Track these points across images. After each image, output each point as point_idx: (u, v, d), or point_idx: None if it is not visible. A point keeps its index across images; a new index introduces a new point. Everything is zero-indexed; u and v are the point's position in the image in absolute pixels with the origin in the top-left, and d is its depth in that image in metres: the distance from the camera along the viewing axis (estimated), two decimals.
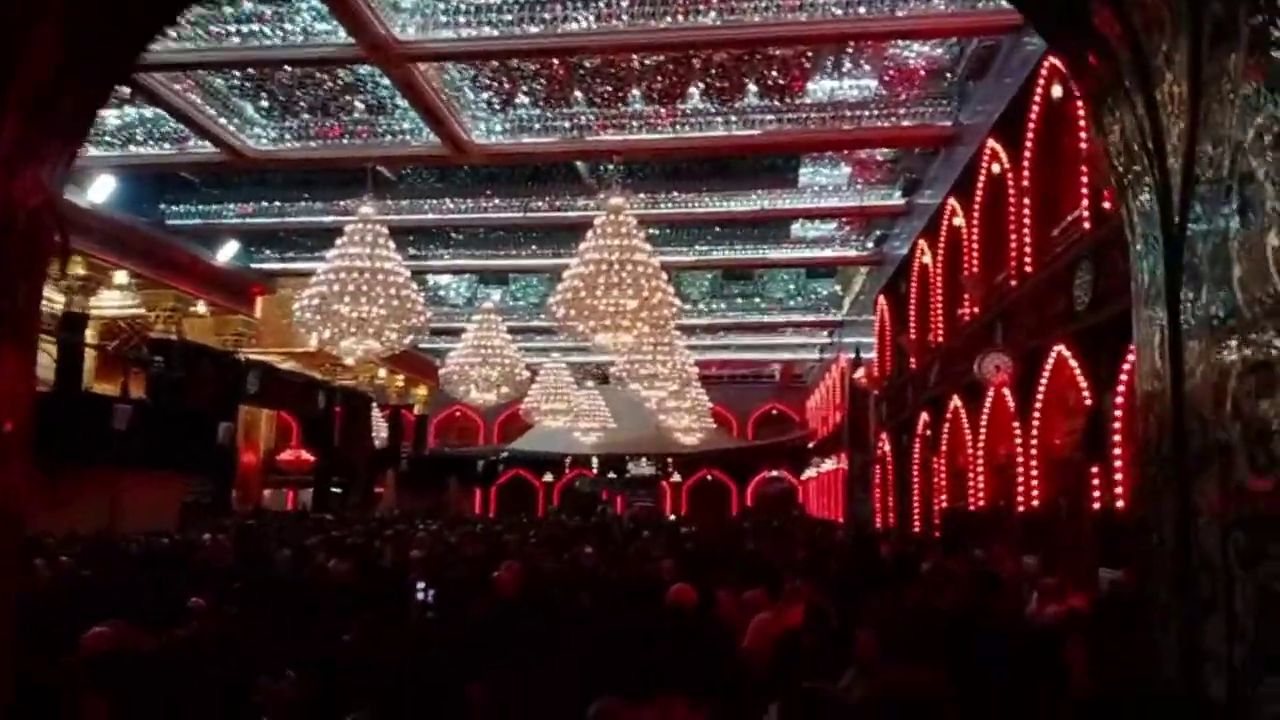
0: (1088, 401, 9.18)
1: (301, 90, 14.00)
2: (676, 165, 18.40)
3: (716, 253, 22.35)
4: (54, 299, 18.91)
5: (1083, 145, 9.41)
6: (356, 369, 30.81)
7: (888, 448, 20.51)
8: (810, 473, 36.23)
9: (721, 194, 18.71)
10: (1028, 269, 11.38)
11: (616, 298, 14.24)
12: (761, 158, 18.57)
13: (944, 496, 15.47)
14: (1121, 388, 8.44)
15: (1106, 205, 8.87)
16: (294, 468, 32.54)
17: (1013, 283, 11.85)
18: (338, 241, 14.67)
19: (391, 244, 15.03)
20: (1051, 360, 10.27)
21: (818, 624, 5.23)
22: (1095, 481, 8.88)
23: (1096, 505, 8.90)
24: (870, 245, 22.20)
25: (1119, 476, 8.46)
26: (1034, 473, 10.91)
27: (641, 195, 17.67)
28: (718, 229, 22.07)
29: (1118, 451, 8.49)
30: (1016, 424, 11.42)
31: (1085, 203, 9.38)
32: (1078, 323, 9.26)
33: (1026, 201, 11.48)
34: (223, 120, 14.31)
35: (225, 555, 12.03)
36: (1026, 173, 11.49)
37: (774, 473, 40.78)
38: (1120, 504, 8.43)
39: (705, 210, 18.88)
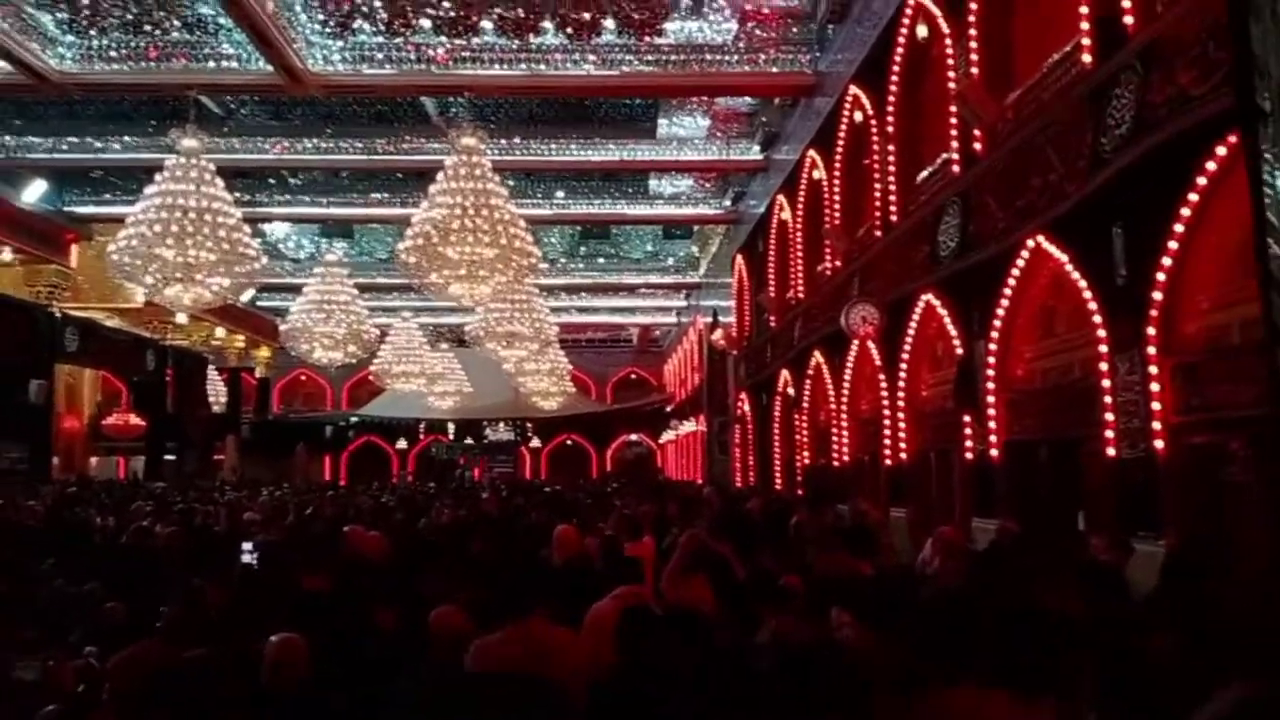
0: (958, 350, 8.99)
1: (109, 2, 12.41)
2: (531, 110, 17.57)
3: (574, 207, 21.64)
4: None
5: (951, 85, 9.16)
6: (190, 328, 28.78)
7: (747, 408, 20.37)
8: (669, 436, 36.19)
9: (579, 142, 17.97)
10: (893, 218, 11.18)
11: (472, 245, 13.38)
12: (619, 106, 17.97)
13: (806, 454, 15.36)
14: (995, 334, 8.25)
15: (977, 147, 8.64)
16: (123, 433, 30.28)
17: (877, 233, 11.65)
18: (157, 177, 13.22)
19: (219, 181, 13.68)
20: (919, 310, 10.08)
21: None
22: (968, 431, 8.71)
23: (969, 455, 8.74)
24: (727, 204, 21.99)
25: (992, 425, 8.29)
26: (901, 425, 10.76)
27: (495, 142, 16.76)
28: (574, 182, 21.40)
29: (991, 400, 8.32)
30: (883, 376, 11.25)
31: (955, 144, 9.14)
32: (945, 269, 9.05)
33: (891, 149, 11.27)
34: (18, 35, 12.56)
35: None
36: (891, 119, 11.25)
37: (633, 436, 40.64)
38: (994, 453, 8.27)
39: (561, 159, 18.13)
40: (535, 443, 39.98)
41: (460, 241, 13.33)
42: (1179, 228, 5.72)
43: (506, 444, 39.59)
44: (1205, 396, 5.72)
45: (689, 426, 30.92)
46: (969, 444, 8.85)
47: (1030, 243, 7.54)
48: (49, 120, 17.83)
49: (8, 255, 19.98)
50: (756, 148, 18.25)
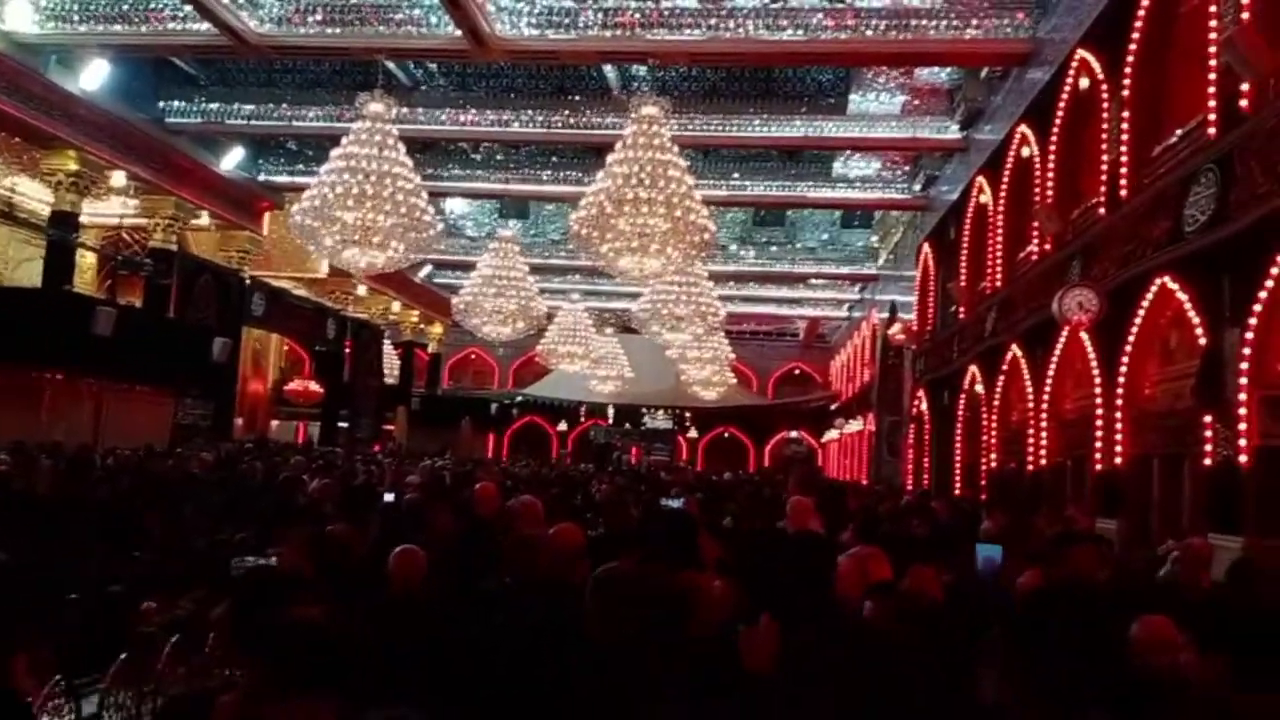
0: (1201, 340, 7.77)
1: None
2: (715, 83, 16.92)
3: (751, 188, 20.84)
4: (44, 197, 17.76)
5: (1211, 36, 7.91)
6: (369, 301, 29.81)
7: (924, 406, 19.13)
8: (832, 435, 35.01)
9: (762, 117, 17.16)
10: (1122, 193, 9.91)
11: (645, 216, 12.87)
12: (808, 80, 17.10)
13: (994, 456, 14.13)
14: (1253, 320, 7.03)
15: (1243, 104, 7.40)
16: (302, 399, 31.52)
17: (1100, 211, 10.40)
18: (343, 140, 13.34)
19: (402, 147, 13.69)
20: (1150, 295, 8.85)
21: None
22: (1208, 434, 7.51)
23: (1208, 461, 7.53)
24: (917, 188, 20.69)
25: (1243, 427, 7.08)
26: (1118, 426, 9.53)
27: (675, 117, 16.21)
28: (753, 162, 20.60)
29: (1242, 398, 7.10)
30: (1097, 371, 10.02)
31: (1212, 104, 7.89)
32: (1192, 244, 7.82)
33: (1124, 115, 9.98)
34: None
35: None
36: (1127, 83, 9.97)
37: (794, 433, 39.58)
38: (1243, 459, 7.06)
39: (744, 135, 17.32)
40: (693, 433, 39.50)
41: (634, 212, 12.85)
42: None
43: (664, 432, 39.28)
44: None
45: (855, 426, 29.72)
46: (1209, 448, 7.64)
47: None
48: (248, 88, 18.52)
49: (205, 220, 20.90)
50: (955, 126, 16.99)
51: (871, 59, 14.33)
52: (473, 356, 40.96)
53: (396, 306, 31.66)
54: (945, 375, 17.35)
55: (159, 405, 18.50)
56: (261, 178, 21.85)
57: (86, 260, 20.75)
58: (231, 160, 20.33)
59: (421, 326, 34.00)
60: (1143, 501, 9.10)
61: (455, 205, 27.70)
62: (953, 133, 17.20)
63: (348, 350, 28.12)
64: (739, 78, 16.88)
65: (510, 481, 12.26)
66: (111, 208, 19.83)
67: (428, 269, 30.42)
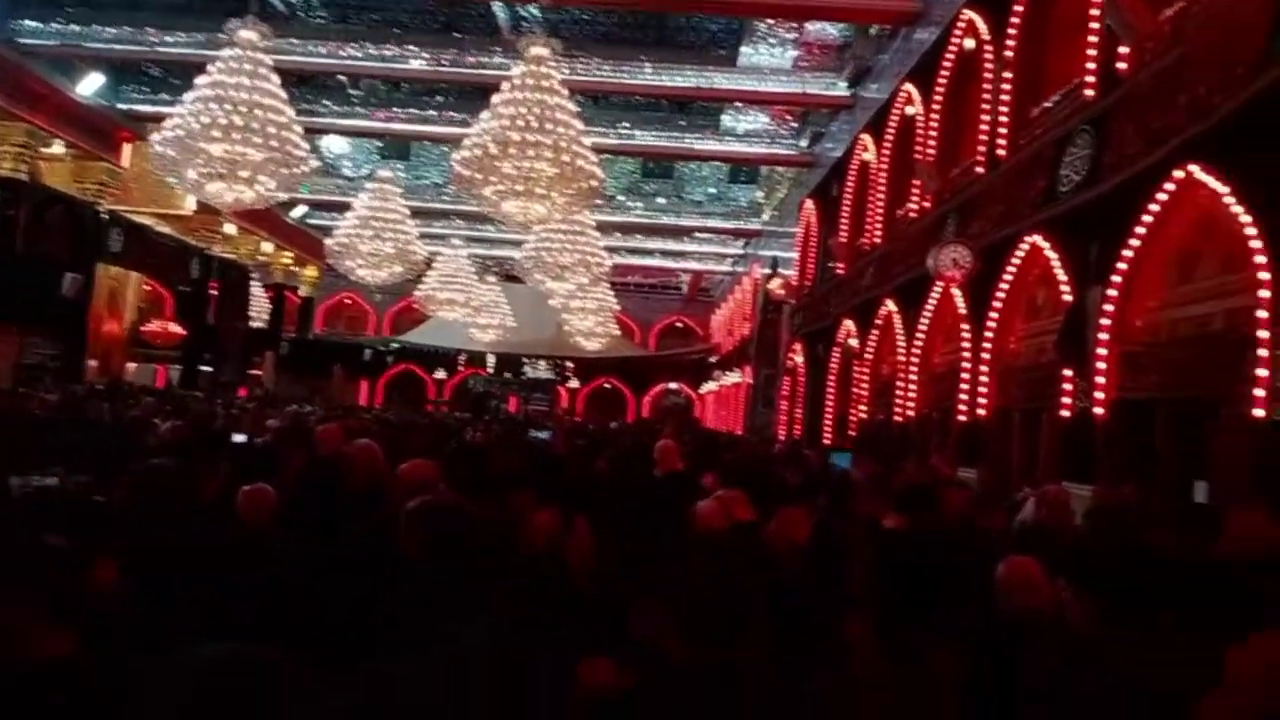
0: (1066, 297, 8.10)
1: None
2: (607, 28, 16.63)
3: (640, 137, 20.68)
4: None
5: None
6: (237, 240, 28.42)
7: (800, 359, 19.55)
8: (710, 387, 35.53)
9: (654, 65, 16.98)
10: (1000, 153, 10.21)
11: (531, 161, 12.58)
12: (701, 29, 16.98)
13: (863, 408, 14.54)
14: (1116, 279, 7.34)
15: (1121, 66, 7.66)
16: (162, 341, 29.90)
17: (979, 170, 10.69)
18: (209, 68, 12.55)
19: (275, 78, 12.98)
20: (1021, 253, 9.17)
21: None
22: (1067, 387, 7.85)
23: (1065, 414, 7.89)
24: (803, 144, 20.94)
25: (1101, 380, 7.42)
26: (983, 380, 9.90)
27: (566, 60, 15.85)
28: (643, 111, 20.43)
29: (1102, 353, 7.43)
30: (966, 326, 10.36)
31: (1091, 66, 8.15)
32: (1065, 204, 8.11)
33: (1006, 76, 10.25)
34: None
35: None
36: (1011, 44, 10.23)
37: (673, 385, 40.02)
38: (1099, 411, 7.41)
39: (634, 82, 17.12)
40: (574, 383, 39.47)
41: (520, 156, 12.54)
42: None
43: (544, 382, 39.13)
44: None
45: (733, 378, 30.20)
46: (1067, 402, 8.00)
47: (1179, 174, 6.60)
48: (111, 10, 17.21)
49: (59, 149, 19.43)
50: (844, 83, 17.19)
51: (765, 9, 14.31)
52: (347, 301, 39.79)
53: (267, 247, 30.30)
54: (821, 329, 17.72)
55: (1, 344, 17.26)
56: (122, 106, 20.45)
57: None
58: (90, 86, 18.94)
59: (294, 269, 32.67)
60: (1003, 452, 9.50)
61: (333, 144, 26.59)
62: (841, 90, 17.40)
63: (213, 291, 26.79)
64: (631, 24, 16.68)
65: (380, 428, 11.91)
66: None
67: (302, 209, 29.20)
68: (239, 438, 6.84)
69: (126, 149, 21.35)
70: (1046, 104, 9.55)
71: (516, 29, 15.70)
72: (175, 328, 28.73)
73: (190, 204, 23.27)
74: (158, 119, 20.38)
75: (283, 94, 12.96)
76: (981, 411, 9.93)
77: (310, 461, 5.23)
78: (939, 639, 2.62)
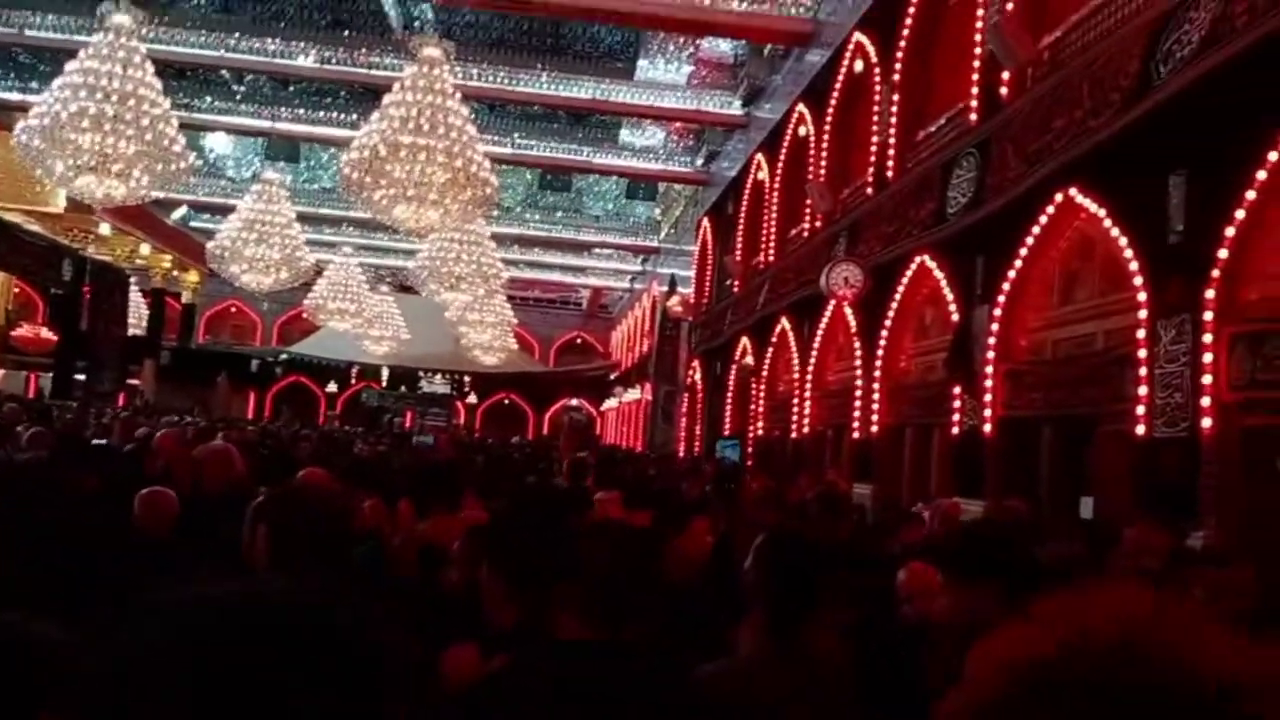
0: (954, 317, 8.15)
1: None
2: (502, 34, 16.38)
3: (537, 148, 20.43)
4: None
5: (978, 25, 8.26)
6: (114, 241, 27.00)
7: (698, 376, 19.53)
8: (611, 403, 35.36)
9: (550, 75, 16.76)
10: (888, 174, 10.30)
11: (423, 165, 12.20)
12: (598, 40, 16.87)
13: (760, 425, 14.52)
14: (1000, 299, 7.40)
15: (1003, 91, 7.77)
16: (33, 347, 28.22)
17: (868, 190, 10.77)
18: (80, 54, 11.84)
19: (150, 66, 12.33)
20: (910, 273, 9.23)
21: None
22: (956, 405, 7.88)
23: (955, 431, 7.92)
24: (699, 163, 21.01)
25: (988, 398, 7.46)
26: (875, 397, 9.92)
27: (460, 66, 15.52)
28: (539, 122, 20.21)
29: (989, 370, 7.48)
30: (859, 344, 10.40)
31: (975, 91, 8.26)
32: (950, 226, 8.18)
33: (895, 98, 10.36)
34: None
35: None
36: (898, 67, 10.35)
37: (574, 401, 39.69)
38: (987, 428, 7.44)
39: (530, 90, 16.87)
40: (472, 398, 38.74)
41: (410, 159, 12.16)
42: (1262, 174, 4.88)
43: (441, 397, 38.24)
44: (1274, 371, 4.91)
45: (633, 395, 30.10)
46: (956, 419, 8.04)
47: (1059, 196, 6.69)
48: None
49: None
50: (738, 102, 17.29)
51: (658, 22, 14.24)
52: (233, 309, 38.29)
53: (146, 249, 28.82)
54: (718, 346, 17.72)
55: None
56: None
57: None
58: None
59: (175, 273, 31.15)
60: (895, 467, 9.52)
61: (216, 143, 25.58)
62: (736, 108, 17.49)
63: (87, 295, 25.35)
64: (527, 31, 16.47)
65: (269, 441, 11.40)
66: None
67: (183, 211, 27.96)
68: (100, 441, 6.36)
69: None
70: (932, 127, 9.66)
71: (409, 29, 15.30)
72: (47, 333, 27.14)
73: (60, 201, 22.04)
74: (26, 108, 19.30)
75: (158, 84, 12.40)
76: (874, 428, 9.95)
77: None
78: (831, 634, 2.60)
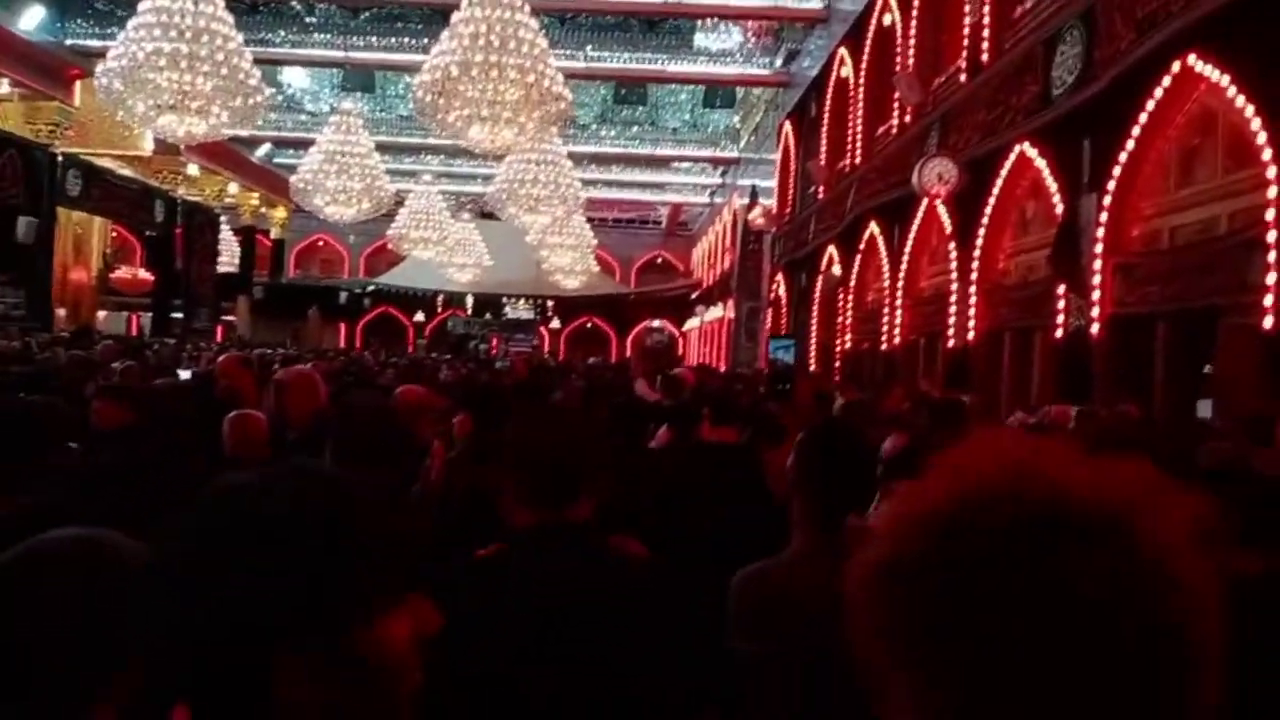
0: (1058, 209, 7.65)
1: None
2: None
3: (610, 60, 19.91)
4: None
5: None
6: (202, 182, 27.56)
7: (782, 290, 19.11)
8: (693, 323, 35.11)
9: None
10: (983, 58, 9.67)
11: (496, 81, 11.97)
12: None
13: (849, 337, 14.15)
14: (1111, 184, 6.89)
15: None
16: (131, 288, 29.28)
17: (962, 78, 10.15)
18: None
19: (220, 1, 12.32)
20: (1009, 164, 8.69)
21: None
22: (1060, 305, 7.45)
23: (1059, 333, 7.50)
24: (779, 64, 20.23)
25: (1096, 296, 7.01)
26: (972, 301, 9.48)
27: None
28: (611, 32, 19.65)
29: (1097, 265, 7.01)
30: (954, 245, 9.92)
31: None
32: (1057, 108, 7.61)
33: None
34: None
35: None
36: None
37: (656, 322, 39.56)
38: (1095, 328, 7.02)
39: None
40: (555, 323, 38.97)
41: (483, 78, 11.94)
42: None
43: (526, 322, 38.58)
44: None
45: (716, 313, 29.78)
46: (1060, 320, 7.61)
47: (1176, 66, 6.12)
48: None
49: (5, 88, 18.57)
50: None
51: None
52: (320, 243, 38.95)
53: (234, 188, 29.43)
54: (803, 257, 17.26)
55: None
56: (69, 41, 19.49)
57: None
58: (32, 19, 17.98)
59: (263, 210, 31.81)
60: (993, 376, 9.13)
61: (293, 78, 25.67)
62: (815, 2, 16.70)
63: (179, 235, 26.02)
64: None
65: (354, 369, 11.58)
66: None
67: (266, 147, 28.30)
68: (184, 374, 6.51)
69: (78, 87, 20.45)
70: (1029, 2, 8.99)
71: None
72: (145, 274, 28.05)
73: (148, 144, 22.50)
74: (105, 54, 19.62)
75: (229, 19, 12.35)
76: (971, 334, 9.53)
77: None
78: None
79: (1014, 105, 8.46)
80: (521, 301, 38.61)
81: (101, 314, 29.56)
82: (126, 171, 24.51)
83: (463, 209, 31.89)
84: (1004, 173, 8.84)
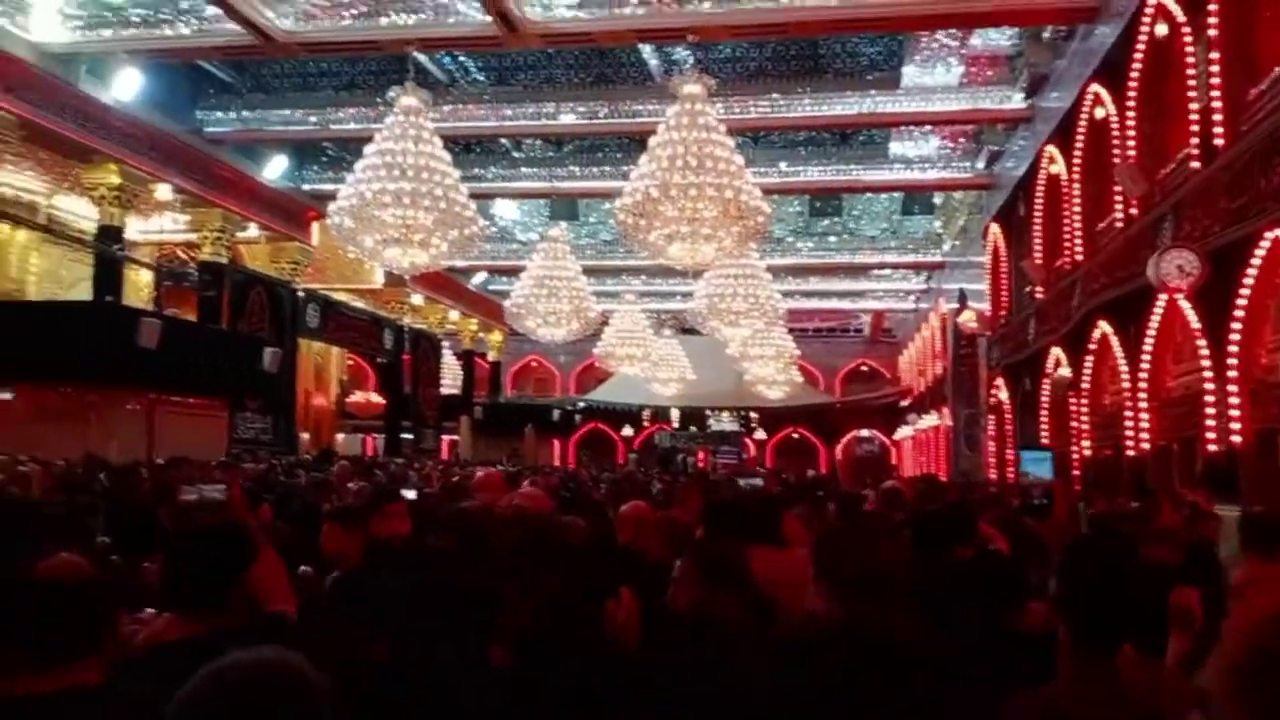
0: None
1: None
2: (760, 63, 16.12)
3: (804, 173, 19.91)
4: (92, 214, 17.65)
5: None
6: (425, 310, 29.55)
7: (1003, 395, 18.02)
8: (905, 431, 33.79)
9: (812, 96, 16.25)
10: (1217, 143, 8.86)
11: (694, 199, 12.12)
12: (859, 55, 16.20)
13: (1084, 442, 13.03)
14: None
15: None
16: (365, 412, 31.39)
17: (1193, 164, 9.35)
18: (376, 137, 12.87)
19: (438, 140, 13.20)
20: (1262, 251, 7.81)
21: None
22: None
23: None
24: (980, 167, 19.60)
25: None
26: (1232, 400, 8.46)
27: (721, 98, 15.35)
28: (804, 147, 19.71)
29: None
30: (1203, 341, 8.96)
31: None
32: None
33: (1213, 57, 8.94)
34: None
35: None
36: (1213, 20, 8.94)
37: (865, 432, 38.41)
38: None
39: (793, 115, 16.37)
40: (760, 434, 38.57)
41: (681, 197, 12.12)
42: None
43: (731, 434, 38.35)
44: None
45: (929, 421, 28.53)
46: None
47: None
48: (285, 93, 18.24)
49: (254, 231, 20.67)
50: (1019, 95, 15.92)
51: (926, 23, 13.33)
52: (534, 364, 40.66)
53: (454, 315, 31.40)
54: (1024, 360, 16.26)
55: (213, 419, 18.23)
56: (306, 187, 21.57)
57: (142, 278, 20.71)
58: (275, 169, 20.05)
59: (480, 335, 33.71)
60: (1268, 481, 8.03)
61: (504, 210, 27.31)
62: (1017, 102, 16.13)
63: (407, 361, 27.87)
64: (785, 57, 16.09)
65: (571, 484, 11.82)
66: (163, 224, 19.76)
67: (482, 275, 30.09)
68: (409, 493, 6.74)
69: (315, 228, 22.51)
70: (1264, 84, 8.19)
71: (668, 74, 15.43)
72: (377, 398, 30.04)
73: (379, 277, 24.36)
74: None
75: (446, 155, 13.12)
76: (1235, 437, 8.48)
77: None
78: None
79: (1263, 189, 7.63)
80: (726, 414, 38.57)
81: (340, 436, 31.79)
82: (359, 303, 26.62)
83: (665, 325, 32.53)
84: (1256, 261, 7.94)
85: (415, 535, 4.61)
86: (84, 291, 17.78)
